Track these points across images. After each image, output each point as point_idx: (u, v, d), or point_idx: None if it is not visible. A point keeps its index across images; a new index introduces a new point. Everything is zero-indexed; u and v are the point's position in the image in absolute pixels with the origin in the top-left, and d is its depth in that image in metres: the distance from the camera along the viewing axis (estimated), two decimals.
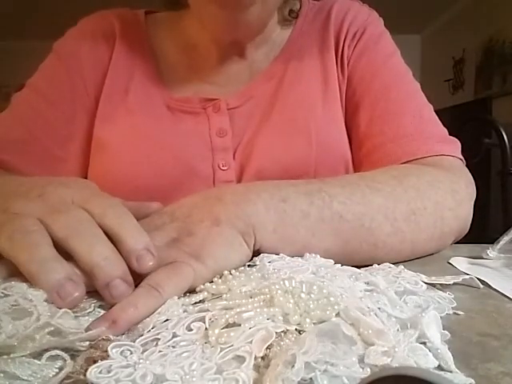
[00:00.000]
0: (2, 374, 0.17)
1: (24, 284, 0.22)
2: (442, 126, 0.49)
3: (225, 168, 0.49)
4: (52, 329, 0.19)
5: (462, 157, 0.47)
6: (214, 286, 0.25)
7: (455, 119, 2.80)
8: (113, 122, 0.50)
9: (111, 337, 0.20)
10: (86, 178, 0.51)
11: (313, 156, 0.48)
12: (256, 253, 0.31)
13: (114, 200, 0.28)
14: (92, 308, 0.23)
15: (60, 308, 0.21)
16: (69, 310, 0.21)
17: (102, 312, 0.23)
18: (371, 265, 0.31)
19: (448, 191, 0.39)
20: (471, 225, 0.43)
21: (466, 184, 0.43)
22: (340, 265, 0.29)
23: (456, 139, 0.48)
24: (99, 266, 0.23)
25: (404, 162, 0.45)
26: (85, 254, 0.23)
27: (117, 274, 0.23)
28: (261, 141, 0.49)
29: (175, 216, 0.31)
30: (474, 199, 0.44)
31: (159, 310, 0.22)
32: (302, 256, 0.31)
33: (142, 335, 0.20)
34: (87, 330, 0.20)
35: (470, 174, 0.45)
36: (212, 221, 0.30)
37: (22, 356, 0.18)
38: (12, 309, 0.20)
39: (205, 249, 0.28)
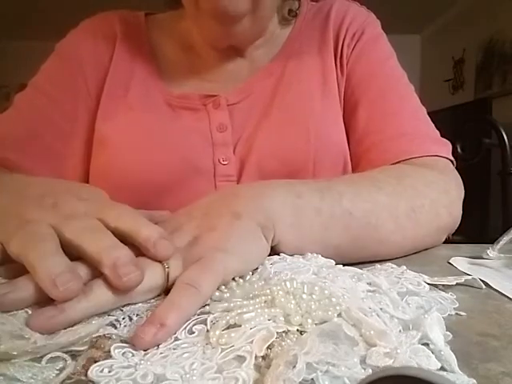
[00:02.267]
0: (1, 377, 0.17)
1: (23, 311, 0.21)
2: (434, 127, 0.51)
3: (225, 163, 0.49)
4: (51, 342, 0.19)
5: (453, 158, 0.49)
6: (217, 293, 0.24)
7: (455, 119, 2.81)
8: (114, 118, 0.50)
9: (113, 335, 0.20)
10: (87, 173, 0.52)
11: (311, 150, 0.49)
12: (272, 250, 0.31)
13: (128, 206, 0.27)
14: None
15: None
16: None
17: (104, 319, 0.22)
18: (373, 265, 0.31)
19: (441, 191, 0.42)
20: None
21: (456, 185, 0.45)
22: (342, 265, 0.29)
23: (448, 141, 0.50)
24: (106, 250, 0.22)
25: (401, 160, 0.46)
26: (92, 244, 0.23)
27: (125, 253, 0.22)
28: (260, 136, 0.49)
29: (193, 216, 0.30)
30: (463, 199, 0.46)
31: None
32: (303, 255, 0.31)
33: None
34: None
35: (459, 176, 0.47)
36: (232, 215, 0.29)
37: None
38: (11, 333, 0.19)
39: (229, 242, 0.27)
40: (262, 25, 0.50)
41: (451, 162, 0.48)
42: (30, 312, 0.21)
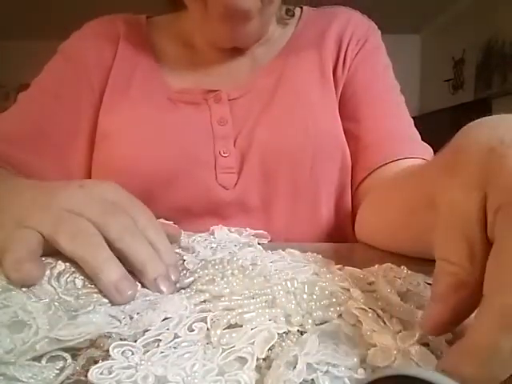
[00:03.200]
0: (1, 377, 0.17)
1: (24, 295, 0.22)
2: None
3: (226, 155, 0.50)
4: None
5: None
6: (216, 288, 0.24)
7: (455, 119, 2.80)
8: (116, 113, 0.51)
9: (113, 334, 0.20)
10: (90, 171, 0.52)
11: (310, 143, 0.50)
12: None
13: (150, 212, 0.30)
14: (92, 306, 0.23)
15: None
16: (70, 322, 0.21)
17: (103, 309, 0.23)
18: (373, 265, 0.31)
19: None
20: None
21: None
22: (341, 265, 0.29)
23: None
24: (148, 264, 0.26)
25: (399, 159, 0.48)
26: (135, 253, 0.26)
27: (163, 270, 0.26)
28: (260, 129, 0.50)
29: None
30: None
31: (164, 307, 0.22)
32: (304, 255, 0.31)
33: (147, 330, 0.20)
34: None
35: None
36: None
37: None
38: (11, 321, 0.20)
39: None
40: (267, 25, 0.52)
41: None
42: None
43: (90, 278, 0.25)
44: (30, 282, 0.23)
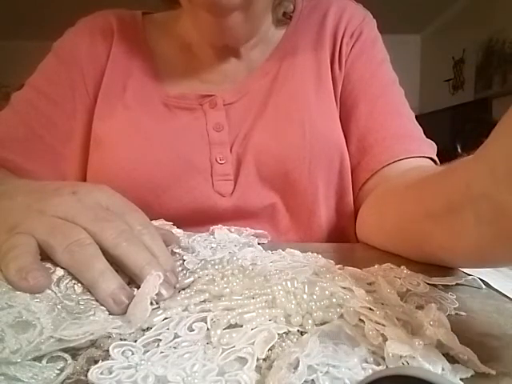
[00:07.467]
0: (2, 377, 0.17)
1: (27, 295, 0.22)
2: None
3: (222, 162, 0.49)
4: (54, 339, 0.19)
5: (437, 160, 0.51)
6: (216, 288, 0.24)
7: (455, 119, 2.81)
8: (110, 118, 0.50)
9: (113, 334, 0.20)
10: (85, 174, 0.52)
11: (307, 146, 0.49)
12: None
13: (145, 217, 0.30)
14: (92, 312, 0.23)
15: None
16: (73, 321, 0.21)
17: (104, 314, 0.23)
18: (373, 265, 0.31)
19: None
20: None
21: None
22: (341, 265, 0.29)
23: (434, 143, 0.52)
24: (145, 268, 0.25)
25: (403, 159, 0.48)
26: (132, 258, 0.25)
27: (159, 273, 0.25)
28: (256, 135, 0.49)
29: None
30: None
31: (161, 305, 0.22)
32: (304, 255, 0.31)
33: (144, 330, 0.20)
34: None
35: None
36: None
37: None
38: (15, 321, 0.20)
39: None
40: (254, 23, 0.50)
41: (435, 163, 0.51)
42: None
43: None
44: (37, 291, 0.22)
